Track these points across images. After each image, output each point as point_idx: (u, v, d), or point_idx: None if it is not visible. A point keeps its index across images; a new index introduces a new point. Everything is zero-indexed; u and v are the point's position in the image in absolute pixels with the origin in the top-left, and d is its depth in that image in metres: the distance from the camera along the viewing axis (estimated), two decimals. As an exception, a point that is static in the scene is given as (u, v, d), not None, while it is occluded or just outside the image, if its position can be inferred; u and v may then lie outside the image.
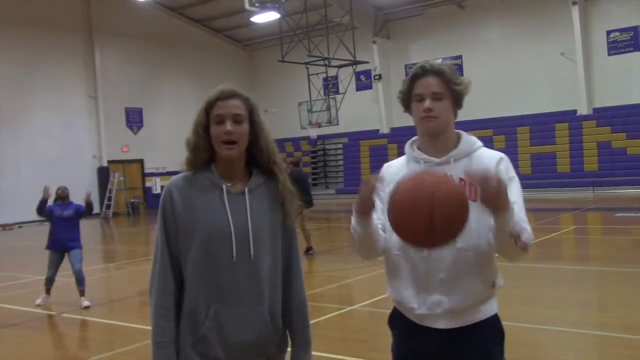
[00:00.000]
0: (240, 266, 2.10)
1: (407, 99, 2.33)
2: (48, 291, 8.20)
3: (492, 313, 2.30)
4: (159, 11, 28.12)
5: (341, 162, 28.48)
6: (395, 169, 2.40)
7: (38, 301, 8.13)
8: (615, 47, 22.78)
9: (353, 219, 2.26)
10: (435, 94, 2.25)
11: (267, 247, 2.16)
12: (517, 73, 24.20)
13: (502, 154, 2.33)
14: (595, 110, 23.07)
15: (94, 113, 26.10)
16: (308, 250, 11.35)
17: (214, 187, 2.15)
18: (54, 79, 24.56)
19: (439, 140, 2.31)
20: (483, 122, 24.77)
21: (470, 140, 2.34)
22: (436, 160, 2.30)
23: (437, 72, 2.26)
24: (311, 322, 2.36)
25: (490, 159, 2.30)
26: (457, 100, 2.30)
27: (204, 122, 2.13)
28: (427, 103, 2.25)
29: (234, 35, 31.49)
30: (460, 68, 26.12)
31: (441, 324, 2.25)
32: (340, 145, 28.68)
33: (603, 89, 22.85)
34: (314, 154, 29.76)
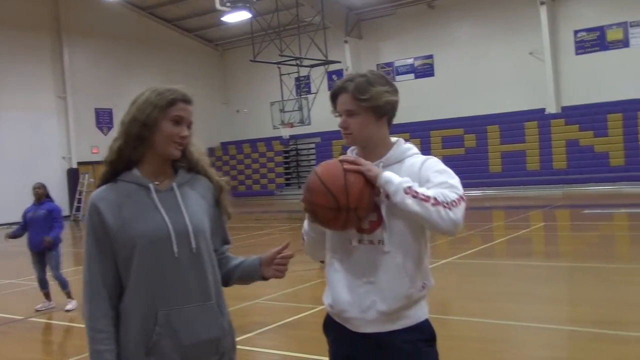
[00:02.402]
0: (184, 263, 2.06)
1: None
2: (47, 296, 8.01)
3: (423, 318, 2.34)
4: (129, 11, 27.82)
5: (314, 162, 28.47)
6: None
7: (38, 306, 7.94)
8: (582, 47, 23.17)
9: (306, 224, 2.43)
10: (348, 111, 2.31)
11: (207, 240, 2.15)
12: (486, 72, 24.46)
13: (430, 156, 2.37)
14: (564, 108, 23.43)
15: (63, 114, 25.73)
16: None
17: (140, 188, 2.10)
18: (22, 79, 24.15)
19: (367, 149, 2.36)
20: (453, 121, 25.03)
21: (402, 147, 2.37)
22: None
23: (344, 89, 2.31)
24: (285, 321, 2.36)
25: (417, 162, 2.33)
26: (375, 111, 2.30)
27: (158, 116, 2.08)
28: (342, 120, 2.32)
29: (205, 35, 31.31)
30: (431, 67, 26.34)
31: (372, 329, 2.28)
32: (313, 145, 28.69)
33: (571, 88, 23.23)
34: (287, 154, 29.73)
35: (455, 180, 2.23)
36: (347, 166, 2.19)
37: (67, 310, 7.79)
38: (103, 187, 2.13)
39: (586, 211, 15.06)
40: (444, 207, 2.11)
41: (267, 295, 7.79)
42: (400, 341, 2.27)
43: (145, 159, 2.12)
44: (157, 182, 2.13)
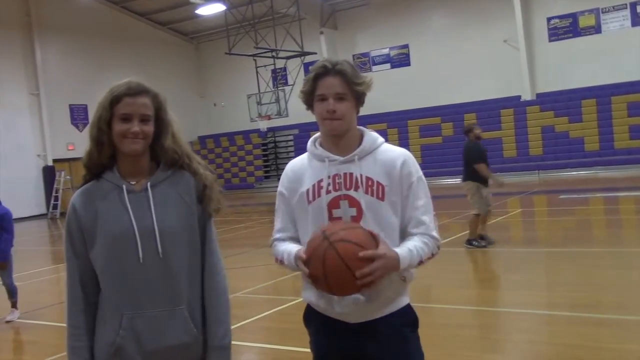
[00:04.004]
0: (150, 267, 2.01)
1: (310, 99, 2.31)
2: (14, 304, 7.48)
3: (405, 303, 2.36)
4: (101, 5, 27.48)
5: (292, 154, 28.45)
6: (299, 167, 2.43)
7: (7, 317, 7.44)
8: (555, 34, 23.39)
9: (287, 260, 2.32)
10: (338, 94, 2.24)
11: (182, 243, 2.06)
12: (462, 61, 24.57)
13: (405, 154, 2.35)
14: (539, 95, 23.65)
15: (37, 111, 25.36)
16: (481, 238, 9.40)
17: (115, 188, 2.06)
18: (-7, 76, 23.78)
19: (342, 139, 2.31)
20: (430, 110, 25.13)
21: (372, 137, 2.36)
22: (341, 158, 2.31)
23: (339, 72, 2.23)
24: (265, 314, 2.35)
25: (393, 159, 2.31)
26: (359, 99, 2.30)
27: (107, 117, 2.02)
28: (331, 104, 2.23)
29: (179, 28, 31.04)
30: (407, 57, 26.40)
31: (356, 319, 2.29)
32: (291, 137, 28.66)
33: (545, 75, 23.45)
34: (265, 147, 29.66)
35: (427, 193, 2.35)
36: (365, 280, 2.08)
37: (7, 321, 7.30)
38: (85, 186, 2.11)
39: (562, 196, 15.25)
40: (437, 251, 2.34)
41: (247, 289, 7.80)
42: (384, 327, 2.29)
43: (118, 158, 2.08)
44: (133, 182, 2.08)
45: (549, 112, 22.76)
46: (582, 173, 20.74)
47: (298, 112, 25.92)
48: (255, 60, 25.02)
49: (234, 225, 15.06)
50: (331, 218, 2.29)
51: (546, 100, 23.14)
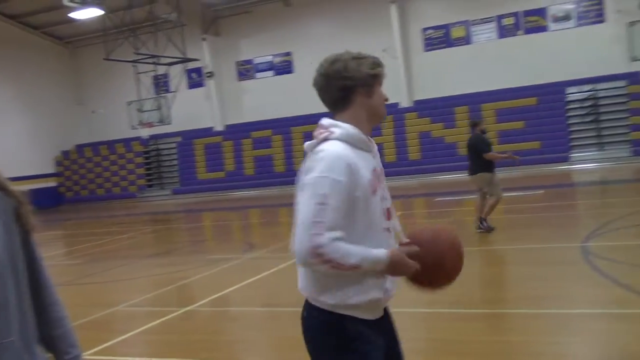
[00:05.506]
0: None
1: (370, 82, 2.48)
2: None
3: None
4: (-37, 5, 25.69)
5: (175, 162, 27.89)
6: (352, 156, 2.33)
7: None
8: (430, 44, 24.52)
9: (369, 264, 2.18)
10: None
11: (8, 267, 1.83)
12: (344, 69, 25.13)
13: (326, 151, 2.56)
14: (416, 102, 24.66)
15: None
16: (481, 222, 10.00)
17: None
18: None
19: None
20: (314, 117, 25.16)
21: None
22: (375, 149, 2.51)
23: None
24: (147, 326, 2.30)
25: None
26: None
27: None
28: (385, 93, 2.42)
29: (53, 32, 29.54)
30: (290, 64, 26.67)
31: (380, 312, 2.46)
32: (174, 145, 28.05)
33: (422, 83, 24.49)
34: (147, 155, 28.86)
35: None
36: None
37: None
38: None
39: (438, 199, 15.98)
40: None
41: (128, 301, 7.56)
42: (386, 313, 2.55)
43: None
44: None
45: (426, 119, 23.80)
46: (457, 176, 21.78)
47: (181, 120, 25.48)
48: (135, 66, 24.36)
49: (116, 236, 14.52)
50: (385, 209, 2.42)
51: (423, 107, 24.18)
